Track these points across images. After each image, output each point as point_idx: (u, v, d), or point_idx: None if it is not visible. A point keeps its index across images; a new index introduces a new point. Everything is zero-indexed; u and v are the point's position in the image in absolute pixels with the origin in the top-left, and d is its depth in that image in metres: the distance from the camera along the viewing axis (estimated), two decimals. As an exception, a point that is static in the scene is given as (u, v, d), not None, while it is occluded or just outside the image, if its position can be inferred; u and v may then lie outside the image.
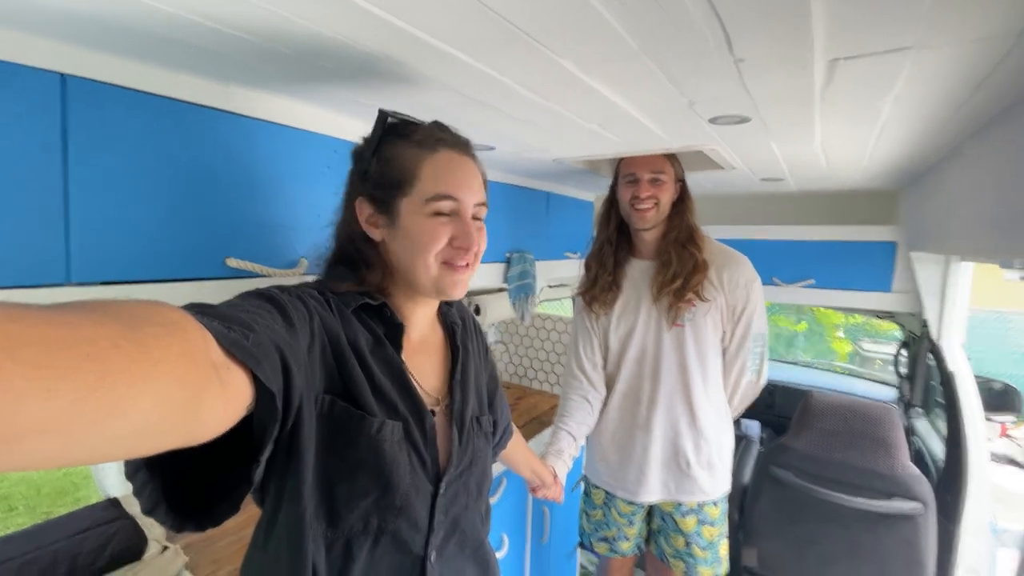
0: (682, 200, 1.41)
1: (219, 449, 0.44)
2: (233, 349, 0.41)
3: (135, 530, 1.11)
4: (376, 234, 0.74)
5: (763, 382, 1.43)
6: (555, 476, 1.30)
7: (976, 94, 0.81)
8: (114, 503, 1.20)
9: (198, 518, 0.50)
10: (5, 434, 0.25)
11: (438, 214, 0.71)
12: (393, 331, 0.74)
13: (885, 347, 6.02)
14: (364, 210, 0.74)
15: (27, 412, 0.25)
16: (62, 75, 0.70)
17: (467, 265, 0.74)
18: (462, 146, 0.75)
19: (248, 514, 0.72)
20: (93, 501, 1.23)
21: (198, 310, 0.43)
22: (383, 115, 0.74)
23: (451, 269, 0.73)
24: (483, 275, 1.71)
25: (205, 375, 0.36)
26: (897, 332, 2.53)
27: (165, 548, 1.08)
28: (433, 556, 0.74)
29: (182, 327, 0.36)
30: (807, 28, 0.60)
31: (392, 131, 0.74)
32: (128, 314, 0.33)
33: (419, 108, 0.98)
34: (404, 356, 0.75)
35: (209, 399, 0.37)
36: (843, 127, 1.06)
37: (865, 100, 0.87)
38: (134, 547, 1.07)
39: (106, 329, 0.30)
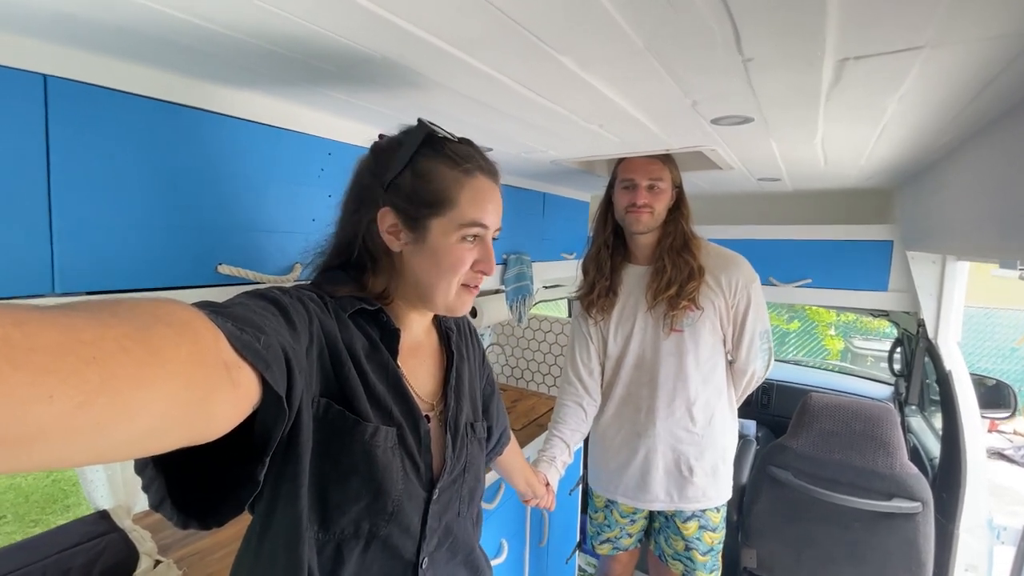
0: (678, 206, 1.38)
1: (221, 449, 0.44)
2: (245, 351, 0.41)
3: (126, 544, 1.08)
4: (396, 245, 0.72)
5: (768, 373, 1.43)
6: (547, 484, 1.29)
7: (983, 93, 0.80)
8: (104, 516, 1.17)
9: (202, 516, 0.50)
10: (9, 440, 0.24)
11: (466, 239, 0.72)
12: (389, 336, 0.74)
13: (876, 344, 6.08)
14: (387, 219, 0.71)
15: (30, 418, 0.25)
16: (44, 76, 0.68)
17: (477, 285, 0.78)
18: (493, 173, 0.76)
19: (242, 526, 0.69)
20: (82, 507, 1.20)
21: (210, 308, 0.43)
22: (422, 125, 0.71)
23: (466, 291, 0.76)
24: (480, 277, 1.69)
25: (215, 375, 0.36)
26: (889, 328, 2.54)
27: (158, 562, 1.05)
28: (425, 562, 0.73)
29: (193, 327, 0.36)
30: (821, 25, 0.59)
31: (428, 144, 0.71)
32: (138, 314, 0.33)
33: (416, 109, 0.96)
34: (399, 361, 0.74)
35: (219, 399, 0.37)
36: (846, 126, 1.04)
37: (871, 99, 0.86)
38: (125, 562, 1.04)
39: (113, 331, 0.29)
